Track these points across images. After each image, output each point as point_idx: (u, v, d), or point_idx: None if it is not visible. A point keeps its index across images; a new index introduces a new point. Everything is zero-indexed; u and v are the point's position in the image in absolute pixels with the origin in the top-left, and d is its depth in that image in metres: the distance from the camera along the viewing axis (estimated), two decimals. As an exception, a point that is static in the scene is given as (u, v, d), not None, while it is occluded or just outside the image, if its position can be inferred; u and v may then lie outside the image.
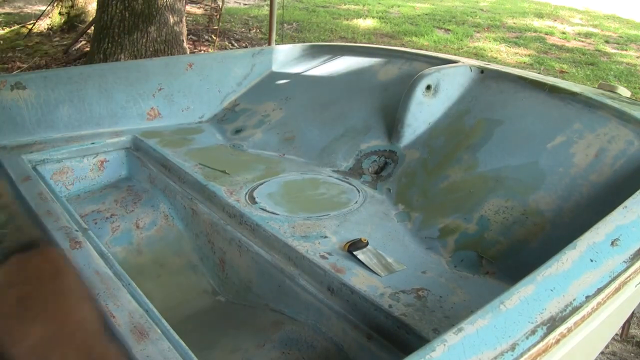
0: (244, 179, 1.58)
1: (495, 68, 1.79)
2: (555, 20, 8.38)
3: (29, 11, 6.64)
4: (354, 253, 1.23)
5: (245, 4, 8.12)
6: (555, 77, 3.98)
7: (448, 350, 0.63)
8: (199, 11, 6.56)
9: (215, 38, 5.66)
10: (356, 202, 1.51)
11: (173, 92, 1.99)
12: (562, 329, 0.70)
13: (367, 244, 1.27)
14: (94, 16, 4.86)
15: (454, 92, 1.73)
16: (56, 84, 1.73)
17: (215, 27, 5.76)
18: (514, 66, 5.27)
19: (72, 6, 5.72)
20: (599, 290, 0.77)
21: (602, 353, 1.90)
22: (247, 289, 1.36)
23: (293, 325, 1.18)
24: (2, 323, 0.77)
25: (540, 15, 8.61)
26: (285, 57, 2.28)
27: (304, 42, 5.59)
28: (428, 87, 1.68)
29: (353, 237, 1.30)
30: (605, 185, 1.28)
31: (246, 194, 1.50)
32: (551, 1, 10.00)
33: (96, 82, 1.82)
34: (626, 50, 6.91)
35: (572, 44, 6.99)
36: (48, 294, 0.82)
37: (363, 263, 1.20)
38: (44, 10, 5.77)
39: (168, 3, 4.31)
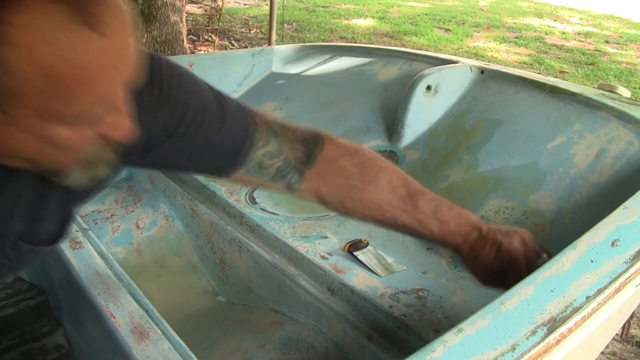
0: (244, 179, 1.58)
1: (495, 68, 1.79)
2: (554, 20, 8.38)
3: (28, 11, 6.62)
4: (354, 253, 1.23)
5: (245, 4, 8.12)
6: (555, 77, 3.98)
7: (448, 350, 0.63)
8: (199, 11, 6.56)
9: (215, 38, 5.66)
10: (356, 202, 1.51)
11: (173, 92, 1.99)
12: (562, 329, 0.70)
13: (367, 244, 1.27)
14: (93, 16, 4.85)
15: (454, 92, 1.73)
16: (56, 84, 1.73)
17: (216, 27, 5.76)
18: (514, 66, 5.27)
19: (72, 6, 5.72)
20: (600, 291, 0.77)
21: (602, 353, 1.91)
22: (247, 289, 1.36)
23: (293, 326, 1.18)
24: None
25: (539, 15, 8.62)
26: (285, 58, 2.28)
27: (304, 42, 5.60)
28: (428, 87, 1.68)
29: (353, 237, 1.30)
30: (605, 186, 1.28)
31: (246, 194, 1.50)
32: (551, 1, 10.01)
33: (96, 82, 1.82)
34: (626, 50, 6.91)
35: (572, 43, 6.99)
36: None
37: (363, 263, 1.20)
38: (44, 10, 5.76)
39: (168, 2, 4.31)
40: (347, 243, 1.27)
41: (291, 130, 0.82)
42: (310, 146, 0.83)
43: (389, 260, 1.23)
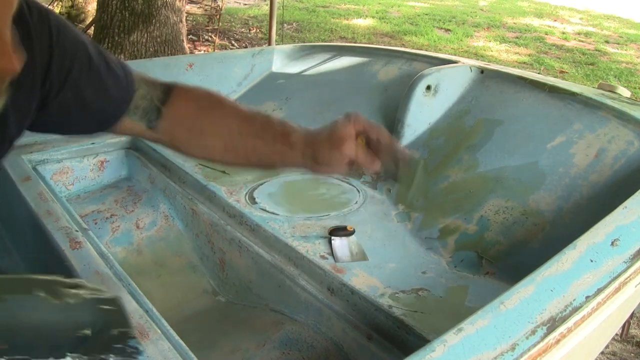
0: (244, 179, 1.58)
1: (495, 68, 1.79)
2: (555, 20, 8.39)
3: (28, 11, 6.62)
4: (332, 237, 1.27)
5: (245, 4, 8.12)
6: (555, 77, 3.98)
7: (448, 350, 0.63)
8: (199, 11, 6.56)
9: (215, 38, 5.66)
10: (356, 202, 1.51)
11: (173, 92, 1.99)
12: (562, 329, 0.71)
13: (352, 232, 1.28)
14: (94, 16, 4.86)
15: (454, 92, 1.73)
16: (56, 84, 1.73)
17: (215, 27, 5.76)
18: (514, 66, 5.27)
19: (72, 6, 5.72)
20: (599, 291, 0.77)
21: (602, 353, 1.91)
22: (247, 289, 1.36)
23: (293, 325, 1.18)
24: None
25: (540, 15, 8.62)
26: (285, 57, 2.29)
27: (304, 42, 5.60)
28: (428, 87, 1.68)
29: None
30: (605, 186, 1.28)
31: (246, 194, 1.50)
32: (551, 1, 10.01)
33: (96, 82, 1.82)
34: (626, 50, 6.92)
35: (572, 43, 7.00)
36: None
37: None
38: (44, 10, 5.75)
39: (168, 2, 4.30)
40: (332, 227, 1.30)
41: (151, 81, 0.90)
42: (166, 91, 0.91)
43: (359, 249, 1.24)
